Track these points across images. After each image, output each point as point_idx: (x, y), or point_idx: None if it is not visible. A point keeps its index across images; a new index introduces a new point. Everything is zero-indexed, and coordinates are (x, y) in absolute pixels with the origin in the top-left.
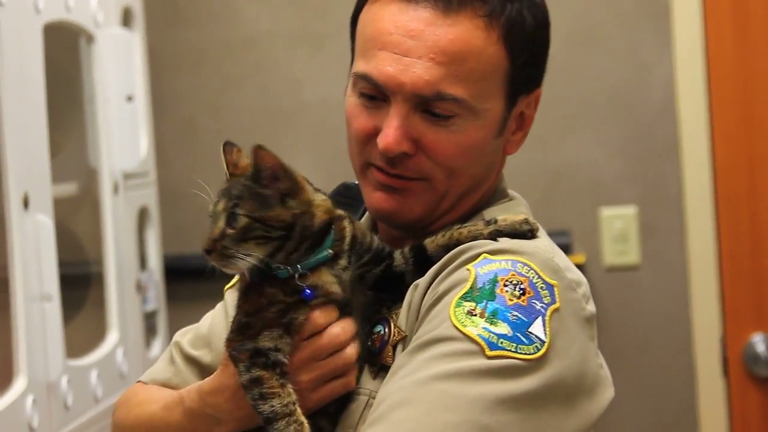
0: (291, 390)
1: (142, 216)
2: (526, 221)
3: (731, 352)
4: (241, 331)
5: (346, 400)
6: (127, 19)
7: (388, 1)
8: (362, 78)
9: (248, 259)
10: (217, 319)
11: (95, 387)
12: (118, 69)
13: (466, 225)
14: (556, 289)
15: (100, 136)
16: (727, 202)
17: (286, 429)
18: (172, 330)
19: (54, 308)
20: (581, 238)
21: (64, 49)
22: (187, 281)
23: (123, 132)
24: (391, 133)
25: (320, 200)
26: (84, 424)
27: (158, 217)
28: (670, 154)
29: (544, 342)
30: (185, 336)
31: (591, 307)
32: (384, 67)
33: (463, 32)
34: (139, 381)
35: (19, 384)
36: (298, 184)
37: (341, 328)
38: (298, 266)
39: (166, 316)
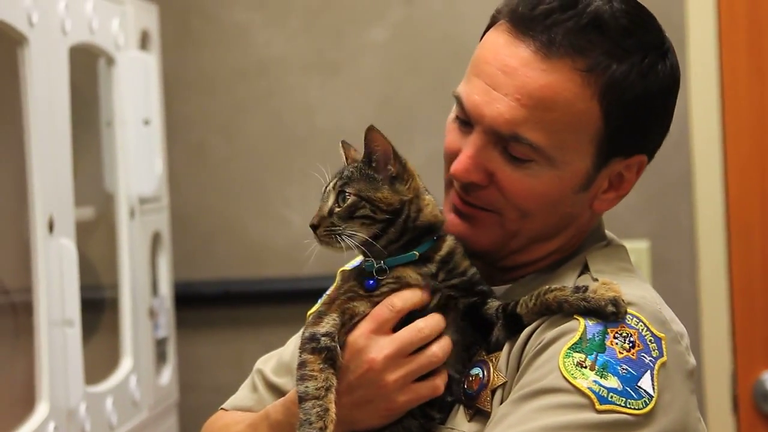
0: (330, 376)
1: (155, 241)
2: (614, 301)
3: (741, 388)
4: (314, 320)
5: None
6: (144, 42)
7: (502, 31)
8: (456, 99)
9: (353, 238)
10: None
11: (110, 414)
12: (136, 92)
13: (553, 289)
14: (663, 342)
15: (118, 160)
16: (740, 237)
17: (311, 410)
18: (182, 358)
19: (75, 333)
20: None
21: (81, 73)
22: (196, 308)
23: (139, 156)
24: (463, 160)
25: (429, 198)
26: None
27: (169, 242)
28: (683, 188)
29: (652, 397)
30: (268, 363)
31: (692, 360)
32: (473, 94)
33: (555, 81)
34: (221, 408)
35: (41, 410)
36: (408, 170)
37: (425, 322)
38: (382, 261)
39: (176, 343)
